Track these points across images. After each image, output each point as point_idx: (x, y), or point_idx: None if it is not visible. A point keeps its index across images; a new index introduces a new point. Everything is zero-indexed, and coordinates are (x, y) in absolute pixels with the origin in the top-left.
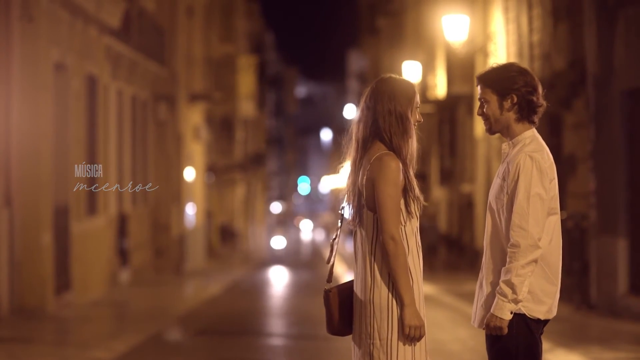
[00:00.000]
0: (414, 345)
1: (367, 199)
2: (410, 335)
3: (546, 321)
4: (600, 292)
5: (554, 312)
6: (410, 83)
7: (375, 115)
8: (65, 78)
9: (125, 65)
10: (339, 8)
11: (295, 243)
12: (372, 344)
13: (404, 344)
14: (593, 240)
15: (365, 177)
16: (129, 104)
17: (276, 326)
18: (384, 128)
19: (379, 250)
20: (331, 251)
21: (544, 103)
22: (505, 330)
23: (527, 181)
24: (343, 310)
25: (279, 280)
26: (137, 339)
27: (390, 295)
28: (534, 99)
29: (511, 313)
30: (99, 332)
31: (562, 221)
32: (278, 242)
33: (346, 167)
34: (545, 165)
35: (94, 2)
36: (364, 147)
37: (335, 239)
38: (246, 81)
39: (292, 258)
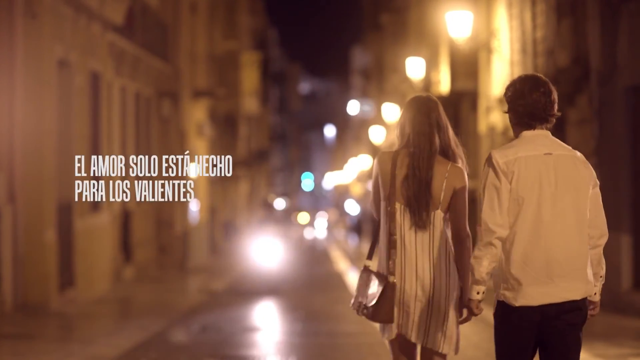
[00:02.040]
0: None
1: (442, 202)
2: (474, 308)
3: (550, 307)
4: (604, 289)
5: (539, 300)
6: None
7: (439, 130)
8: (68, 75)
9: (128, 61)
10: (342, 4)
11: (297, 247)
12: (447, 317)
13: (464, 319)
14: None
15: (444, 184)
16: (132, 101)
17: (280, 323)
18: (447, 142)
19: (449, 244)
20: (389, 252)
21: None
22: (475, 311)
23: (485, 174)
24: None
25: (282, 274)
26: (141, 335)
27: (457, 279)
28: (514, 101)
29: (478, 293)
30: (103, 329)
31: None
32: (265, 254)
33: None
34: (501, 160)
35: None
36: (433, 159)
37: (389, 245)
38: (250, 77)
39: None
